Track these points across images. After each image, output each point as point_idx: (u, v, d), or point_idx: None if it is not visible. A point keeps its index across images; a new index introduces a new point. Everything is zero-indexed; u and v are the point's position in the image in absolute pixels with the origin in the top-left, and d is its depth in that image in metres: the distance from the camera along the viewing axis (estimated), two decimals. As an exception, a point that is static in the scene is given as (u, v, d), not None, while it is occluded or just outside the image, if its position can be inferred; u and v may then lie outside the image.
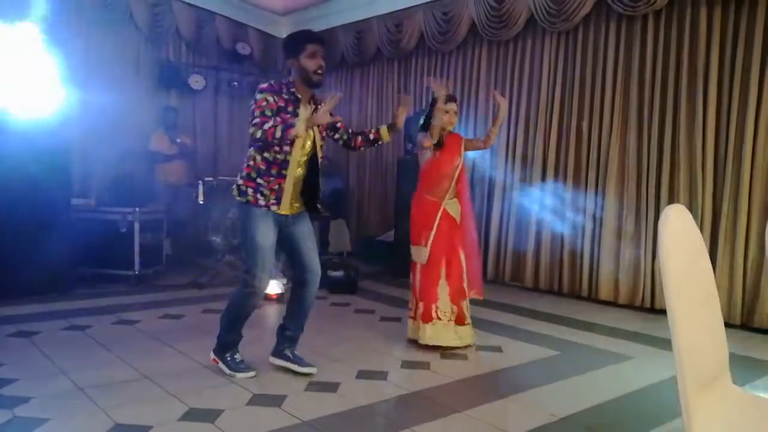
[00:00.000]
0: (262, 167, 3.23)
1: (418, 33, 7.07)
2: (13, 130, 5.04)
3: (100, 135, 6.86)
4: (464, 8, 6.50)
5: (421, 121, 4.11)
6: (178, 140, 6.94)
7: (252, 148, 3.26)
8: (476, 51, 6.68)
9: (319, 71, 3.21)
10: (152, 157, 6.86)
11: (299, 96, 3.24)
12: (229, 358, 3.39)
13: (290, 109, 3.20)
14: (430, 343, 3.91)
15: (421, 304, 3.96)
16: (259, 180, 3.23)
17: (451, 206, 4.04)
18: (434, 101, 3.94)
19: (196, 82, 7.72)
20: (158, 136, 6.96)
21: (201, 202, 6.11)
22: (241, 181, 3.28)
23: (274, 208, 3.23)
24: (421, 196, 4.06)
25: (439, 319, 3.93)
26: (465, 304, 4.02)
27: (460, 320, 3.98)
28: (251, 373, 3.34)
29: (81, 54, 6.76)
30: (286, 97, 3.21)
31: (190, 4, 7.59)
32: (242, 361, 3.41)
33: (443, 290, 3.96)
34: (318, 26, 8.23)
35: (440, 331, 3.93)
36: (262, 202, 3.22)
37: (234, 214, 3.42)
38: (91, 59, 6.88)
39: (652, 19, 5.24)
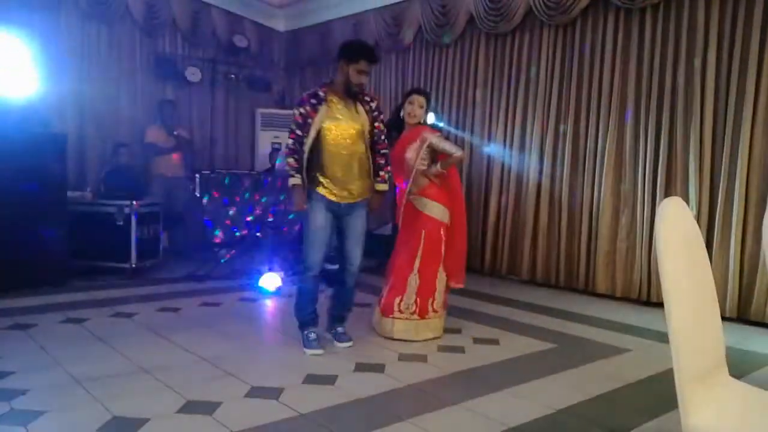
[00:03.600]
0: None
1: (415, 26, 7.05)
2: (8, 123, 5.03)
3: (96, 127, 6.85)
4: (462, 1, 6.48)
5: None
6: (175, 133, 6.91)
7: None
8: (474, 44, 6.65)
9: (358, 86, 3.61)
10: (149, 149, 6.84)
11: (328, 98, 3.62)
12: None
13: (311, 115, 3.59)
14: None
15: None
16: None
17: (418, 202, 4.10)
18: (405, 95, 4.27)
19: (193, 74, 7.70)
20: (155, 129, 6.93)
21: (198, 195, 6.11)
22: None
23: None
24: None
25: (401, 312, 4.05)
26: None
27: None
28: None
29: (77, 46, 6.74)
30: (314, 102, 3.60)
31: (186, -4, 7.55)
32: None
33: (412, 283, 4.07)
34: (315, 19, 8.22)
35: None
36: None
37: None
38: (87, 51, 6.85)
39: (650, 12, 5.23)
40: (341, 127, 3.61)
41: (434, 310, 4.08)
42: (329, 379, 3.25)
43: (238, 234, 6.40)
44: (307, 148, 3.58)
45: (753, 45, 4.64)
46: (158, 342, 3.85)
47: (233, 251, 6.30)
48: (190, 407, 2.81)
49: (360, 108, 3.68)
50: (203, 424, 2.65)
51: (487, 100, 6.51)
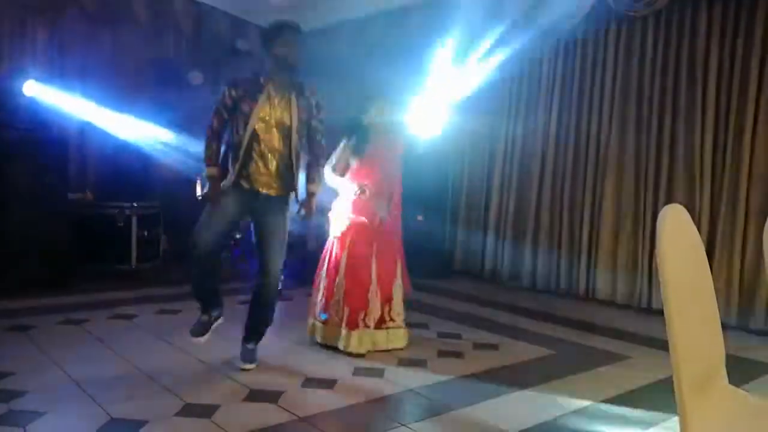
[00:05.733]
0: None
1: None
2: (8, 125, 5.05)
3: (97, 129, 6.84)
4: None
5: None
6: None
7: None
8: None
9: (292, 61, 3.29)
10: (150, 152, 6.83)
11: (266, 87, 3.27)
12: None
13: (250, 105, 3.23)
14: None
15: (347, 309, 3.77)
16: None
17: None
18: None
19: (195, 77, 7.70)
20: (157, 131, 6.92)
21: (199, 198, 6.10)
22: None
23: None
24: None
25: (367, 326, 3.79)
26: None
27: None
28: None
29: (79, 48, 6.75)
30: (254, 90, 3.25)
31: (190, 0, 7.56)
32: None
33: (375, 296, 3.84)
34: (318, 23, 8.20)
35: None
36: None
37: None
38: (89, 54, 6.85)
39: (652, 19, 5.24)
40: (271, 123, 3.24)
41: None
42: (328, 383, 3.24)
43: (238, 236, 6.39)
44: (243, 139, 3.20)
45: (755, 52, 4.65)
46: (158, 344, 3.84)
47: (231, 254, 6.30)
48: (189, 410, 2.81)
49: (295, 102, 3.30)
50: (202, 427, 2.65)
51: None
